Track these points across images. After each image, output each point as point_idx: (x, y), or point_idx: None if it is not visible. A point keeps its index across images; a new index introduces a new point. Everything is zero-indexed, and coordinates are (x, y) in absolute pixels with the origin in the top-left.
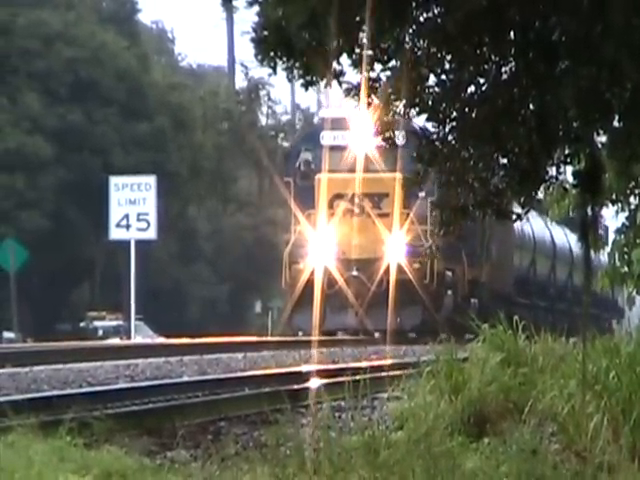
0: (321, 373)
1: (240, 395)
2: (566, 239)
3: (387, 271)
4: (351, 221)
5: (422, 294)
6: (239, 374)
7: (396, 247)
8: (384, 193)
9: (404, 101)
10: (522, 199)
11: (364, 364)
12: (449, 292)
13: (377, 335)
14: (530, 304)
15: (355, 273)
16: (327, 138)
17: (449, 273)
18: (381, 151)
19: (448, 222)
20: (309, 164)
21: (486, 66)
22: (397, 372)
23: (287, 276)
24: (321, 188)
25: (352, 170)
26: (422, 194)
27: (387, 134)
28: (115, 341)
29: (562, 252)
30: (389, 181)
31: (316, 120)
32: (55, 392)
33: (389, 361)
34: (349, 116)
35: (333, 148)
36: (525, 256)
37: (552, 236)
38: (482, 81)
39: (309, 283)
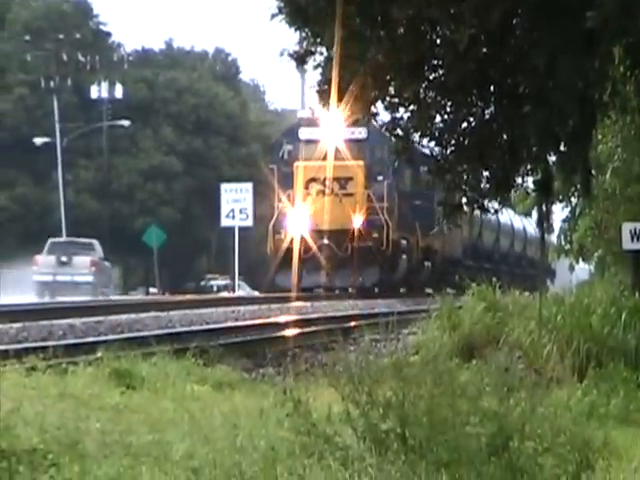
0: (360, 317)
1: (308, 331)
2: (509, 217)
3: (352, 239)
4: (323, 199)
5: (379, 258)
6: (307, 317)
7: (358, 220)
8: (349, 177)
9: (419, 132)
10: (498, 199)
11: (393, 310)
12: (404, 257)
13: (350, 290)
14: (477, 266)
15: (326, 241)
16: (304, 133)
17: (404, 241)
18: (347, 144)
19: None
20: (290, 154)
21: (474, 109)
22: (414, 315)
23: (271, 244)
24: (299, 173)
25: (324, 159)
26: (380, 177)
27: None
28: (224, 294)
29: (505, 227)
30: (353, 168)
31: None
32: (184, 329)
33: (407, 308)
34: (321, 116)
35: (308, 141)
36: (474, 229)
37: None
38: (471, 119)
39: (289, 249)
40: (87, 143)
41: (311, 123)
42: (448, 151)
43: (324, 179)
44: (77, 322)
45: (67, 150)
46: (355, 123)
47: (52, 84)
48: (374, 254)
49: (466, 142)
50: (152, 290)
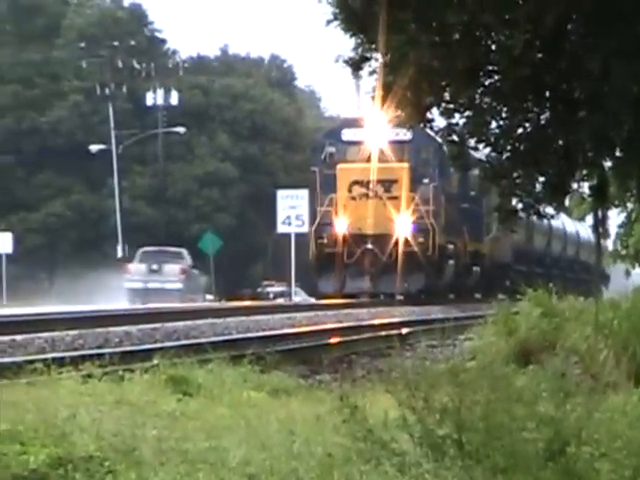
0: (418, 323)
1: (364, 337)
2: (561, 221)
3: (396, 244)
4: (366, 203)
5: (425, 263)
6: (364, 323)
7: (403, 224)
8: (394, 179)
9: (475, 138)
10: (554, 204)
11: (448, 316)
12: (450, 262)
13: (397, 297)
14: (528, 271)
15: (370, 246)
16: (347, 134)
17: (451, 246)
18: (391, 145)
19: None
20: (332, 156)
21: (529, 115)
22: (470, 321)
23: (313, 249)
24: (341, 176)
25: (367, 161)
26: (426, 180)
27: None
28: (280, 301)
29: (557, 231)
30: (398, 170)
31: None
32: (240, 335)
33: (463, 314)
34: (365, 117)
35: (351, 143)
36: (522, 232)
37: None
38: (527, 125)
39: (331, 255)
40: (142, 150)
41: (354, 124)
42: (503, 157)
43: (367, 182)
44: (133, 329)
45: (122, 157)
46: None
47: (107, 91)
48: (419, 259)
49: (521, 147)
50: (208, 297)
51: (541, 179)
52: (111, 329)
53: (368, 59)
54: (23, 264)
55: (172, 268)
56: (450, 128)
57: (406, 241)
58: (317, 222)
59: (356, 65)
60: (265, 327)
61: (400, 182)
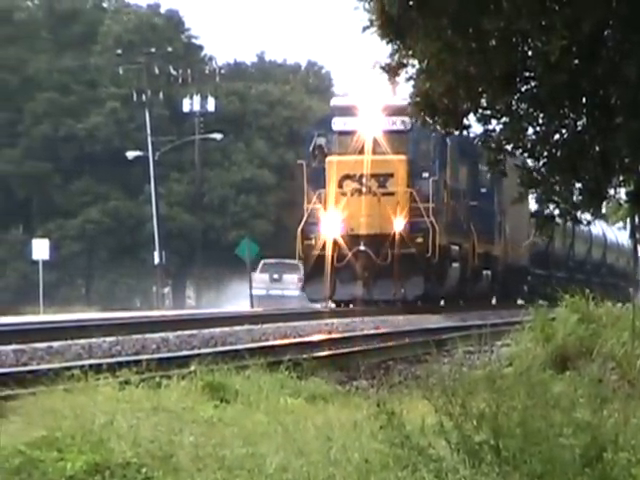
0: (454, 329)
1: (401, 343)
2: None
3: (392, 246)
4: (359, 199)
5: (424, 267)
6: (401, 329)
7: (400, 223)
8: (389, 173)
9: (511, 144)
10: (591, 210)
11: (486, 322)
12: (454, 265)
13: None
14: (547, 275)
15: (362, 247)
16: (338, 124)
17: (455, 247)
18: (387, 136)
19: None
20: (322, 148)
21: (566, 121)
22: (507, 327)
23: (300, 251)
24: (331, 169)
25: (360, 153)
26: (426, 174)
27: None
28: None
29: (581, 232)
30: (394, 163)
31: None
32: (277, 342)
33: (499, 320)
34: (358, 104)
35: (343, 133)
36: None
37: None
38: (564, 131)
39: (320, 257)
40: (179, 156)
41: (346, 112)
42: (540, 163)
43: (360, 176)
44: (170, 336)
45: (159, 163)
46: (397, 113)
47: (144, 97)
48: (418, 262)
49: (558, 154)
50: (244, 303)
51: (578, 185)
52: (148, 336)
53: (405, 65)
54: (60, 271)
55: (290, 277)
56: (487, 134)
57: (403, 242)
58: (304, 221)
59: (393, 71)
60: (302, 333)
61: (397, 176)
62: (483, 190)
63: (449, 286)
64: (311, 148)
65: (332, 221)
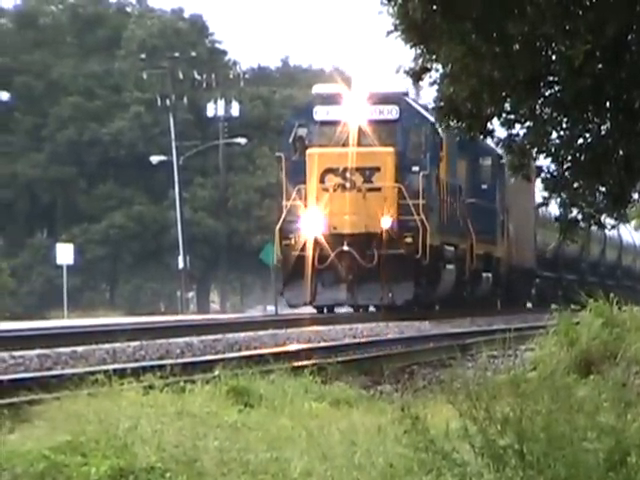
0: (478, 333)
1: (426, 348)
2: None
3: (379, 246)
4: (342, 196)
5: (414, 269)
6: (425, 333)
7: (387, 221)
8: (376, 167)
9: (535, 148)
10: (615, 214)
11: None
12: (448, 267)
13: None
14: (557, 277)
15: (346, 248)
16: (320, 113)
17: (450, 248)
18: (373, 126)
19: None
20: (302, 139)
21: (590, 125)
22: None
23: (278, 252)
24: (312, 163)
25: (344, 145)
26: (416, 168)
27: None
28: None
29: (594, 232)
30: (381, 155)
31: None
32: (301, 346)
33: (522, 324)
34: (342, 92)
35: (325, 123)
36: (550, 234)
37: None
38: (587, 135)
39: (299, 258)
40: (203, 161)
41: (329, 101)
42: (564, 167)
43: (344, 170)
44: (195, 340)
45: (183, 168)
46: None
47: (168, 102)
48: (407, 264)
49: (582, 158)
50: (269, 308)
51: (602, 189)
52: (172, 340)
53: (429, 70)
54: (84, 275)
55: None
56: (511, 139)
57: (391, 242)
58: (282, 219)
59: (417, 76)
60: (326, 338)
61: (384, 170)
62: (484, 187)
63: (443, 290)
64: (291, 139)
65: (313, 219)
